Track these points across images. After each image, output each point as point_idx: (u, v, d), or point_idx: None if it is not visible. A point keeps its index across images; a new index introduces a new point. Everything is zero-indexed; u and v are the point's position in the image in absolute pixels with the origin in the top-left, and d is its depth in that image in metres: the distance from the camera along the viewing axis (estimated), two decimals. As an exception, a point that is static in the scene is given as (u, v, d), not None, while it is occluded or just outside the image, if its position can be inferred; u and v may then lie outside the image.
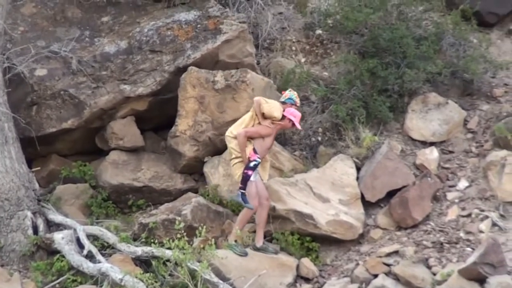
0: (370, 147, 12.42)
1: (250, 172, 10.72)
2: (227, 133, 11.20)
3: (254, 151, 10.82)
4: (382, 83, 13.05)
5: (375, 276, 10.27)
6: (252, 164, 10.74)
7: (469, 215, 11.18)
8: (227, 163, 12.56)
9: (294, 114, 11.20)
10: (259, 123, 11.05)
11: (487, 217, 10.97)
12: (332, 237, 11.29)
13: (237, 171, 10.98)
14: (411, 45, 13.19)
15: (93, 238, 11.50)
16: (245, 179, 10.73)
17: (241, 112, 12.33)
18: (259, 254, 10.89)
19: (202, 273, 9.60)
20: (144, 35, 13.40)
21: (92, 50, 13.39)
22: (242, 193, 10.72)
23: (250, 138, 10.96)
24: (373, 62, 13.08)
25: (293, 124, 11.24)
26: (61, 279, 10.92)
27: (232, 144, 11.02)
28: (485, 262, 9.10)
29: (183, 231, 9.63)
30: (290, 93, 11.50)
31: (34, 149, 12.84)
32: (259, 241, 10.98)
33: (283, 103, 11.32)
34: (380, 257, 10.63)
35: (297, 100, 11.51)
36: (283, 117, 11.14)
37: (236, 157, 11.02)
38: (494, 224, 10.84)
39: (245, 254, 10.76)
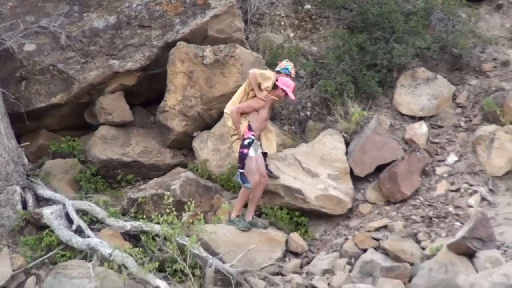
0: (359, 122, 12.45)
1: (245, 151, 10.67)
2: (225, 110, 11.14)
3: (249, 127, 10.77)
4: (371, 58, 13.08)
5: (364, 250, 10.36)
6: (246, 142, 10.68)
7: (458, 190, 11.25)
8: (216, 137, 12.60)
9: (287, 84, 11.00)
10: (254, 96, 10.99)
11: (476, 191, 11.05)
12: (321, 211, 11.33)
13: (237, 147, 10.92)
14: (400, 20, 13.22)
15: (82, 213, 11.49)
16: (242, 158, 10.69)
17: (230, 87, 12.36)
18: (247, 229, 10.96)
19: (191, 247, 9.64)
20: (133, 10, 13.28)
21: (81, 25, 13.27)
22: (240, 172, 10.69)
23: (244, 113, 10.91)
24: (362, 37, 13.11)
25: (286, 94, 11.11)
26: (50, 254, 10.92)
27: (230, 122, 10.95)
28: (474, 237, 9.17)
29: (172, 206, 9.69)
30: (286, 63, 11.35)
31: (23, 124, 12.81)
32: (249, 216, 10.96)
33: (278, 72, 11.20)
34: (369, 231, 10.69)
35: (292, 71, 11.33)
36: (276, 86, 11.02)
37: (234, 134, 10.98)
38: (483, 199, 10.93)
39: (249, 229, 10.80)
